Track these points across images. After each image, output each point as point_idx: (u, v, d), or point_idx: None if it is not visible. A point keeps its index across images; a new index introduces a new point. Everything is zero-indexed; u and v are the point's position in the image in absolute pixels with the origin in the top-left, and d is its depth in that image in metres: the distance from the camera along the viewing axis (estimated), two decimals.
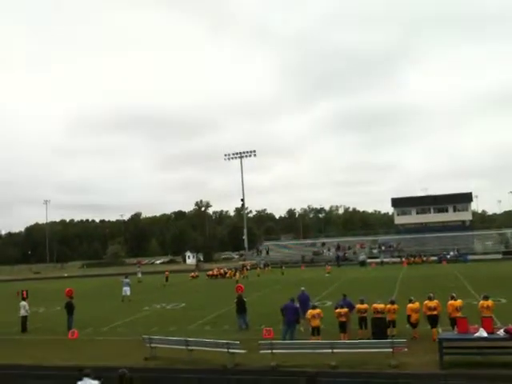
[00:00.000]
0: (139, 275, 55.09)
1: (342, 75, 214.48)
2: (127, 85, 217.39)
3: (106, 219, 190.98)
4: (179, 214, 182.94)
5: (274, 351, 14.74)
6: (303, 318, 18.98)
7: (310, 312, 17.14)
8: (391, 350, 13.91)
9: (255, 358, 15.18)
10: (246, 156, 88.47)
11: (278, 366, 14.58)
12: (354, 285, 36.43)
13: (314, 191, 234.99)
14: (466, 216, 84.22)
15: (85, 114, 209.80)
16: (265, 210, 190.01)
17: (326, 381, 12.27)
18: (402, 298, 20.26)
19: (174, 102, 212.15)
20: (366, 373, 13.80)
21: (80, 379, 10.16)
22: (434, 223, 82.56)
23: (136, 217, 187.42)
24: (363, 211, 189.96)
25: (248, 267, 61.49)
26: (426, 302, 16.97)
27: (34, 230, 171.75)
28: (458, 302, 16.77)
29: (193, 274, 57.41)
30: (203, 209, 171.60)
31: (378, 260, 66.02)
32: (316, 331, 16.84)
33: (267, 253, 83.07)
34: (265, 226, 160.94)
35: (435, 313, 16.69)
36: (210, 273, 56.73)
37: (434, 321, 16.65)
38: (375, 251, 75.85)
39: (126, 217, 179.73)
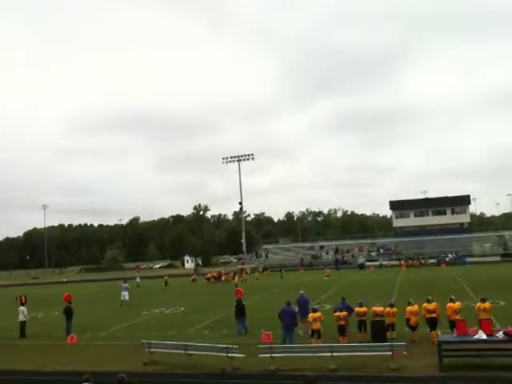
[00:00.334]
0: (138, 280, 55.03)
1: (341, 75, 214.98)
2: (126, 85, 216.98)
3: (105, 224, 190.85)
4: (177, 218, 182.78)
5: (273, 355, 14.72)
6: (302, 321, 18.99)
7: (312, 315, 17.14)
8: (390, 353, 13.89)
9: (254, 362, 15.16)
10: (244, 159, 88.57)
11: (278, 370, 14.56)
12: (352, 288, 36.42)
13: (312, 194, 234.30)
14: (465, 218, 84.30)
15: (83, 116, 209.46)
16: (263, 213, 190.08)
17: None
18: (401, 301, 20.25)
19: (173, 103, 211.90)
20: (365, 376, 13.80)
21: None
22: (433, 226, 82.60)
23: (134, 221, 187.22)
24: (361, 214, 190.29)
25: (247, 271, 61.63)
26: (424, 304, 16.98)
27: (32, 235, 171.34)
28: (457, 305, 16.77)
29: (193, 277, 57.66)
30: (201, 213, 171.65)
31: (376, 263, 66.09)
32: (317, 334, 16.84)
33: (266, 256, 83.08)
34: (263, 230, 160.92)
35: (434, 315, 16.70)
36: (209, 275, 56.87)
37: (433, 323, 16.66)
38: (374, 254, 75.88)
39: (125, 221, 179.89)
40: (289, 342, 17.33)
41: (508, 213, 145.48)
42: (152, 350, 16.57)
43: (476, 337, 13.68)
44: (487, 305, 16.19)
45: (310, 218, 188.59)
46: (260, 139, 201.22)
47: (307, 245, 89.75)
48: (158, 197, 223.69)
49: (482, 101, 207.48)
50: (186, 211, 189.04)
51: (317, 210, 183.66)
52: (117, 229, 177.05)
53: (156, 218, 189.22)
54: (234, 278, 49.41)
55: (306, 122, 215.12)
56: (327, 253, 79.67)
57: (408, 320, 17.23)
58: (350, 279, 46.28)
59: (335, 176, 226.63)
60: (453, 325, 15.53)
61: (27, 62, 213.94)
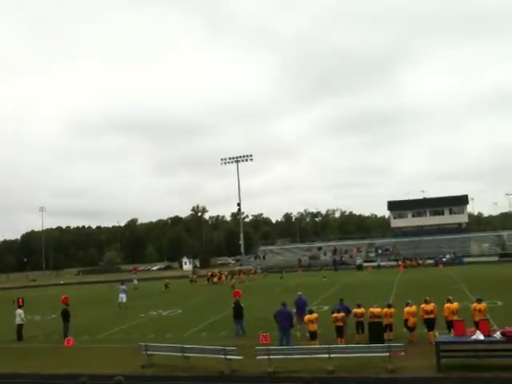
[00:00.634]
0: (135, 282, 54.95)
1: (341, 76, 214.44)
2: (125, 86, 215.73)
3: (102, 225, 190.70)
4: (175, 220, 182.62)
5: (270, 357, 14.70)
6: (300, 322, 18.98)
7: (308, 317, 17.13)
8: (388, 354, 13.88)
9: (252, 364, 15.14)
10: (243, 160, 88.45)
11: (275, 372, 14.53)
12: (350, 289, 36.40)
13: (310, 194, 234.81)
14: (462, 218, 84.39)
15: (82, 117, 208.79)
16: (261, 214, 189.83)
17: None
18: (398, 302, 20.25)
19: (171, 104, 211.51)
20: (363, 377, 13.78)
21: None
22: (431, 226, 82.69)
23: (132, 223, 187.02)
24: (359, 215, 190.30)
25: (253, 271, 61.92)
26: (422, 305, 16.99)
27: (30, 238, 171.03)
28: (455, 305, 16.77)
29: (192, 276, 58.03)
30: (200, 214, 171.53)
31: (374, 264, 66.05)
32: (313, 336, 16.83)
33: (263, 257, 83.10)
34: (261, 231, 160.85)
35: (432, 316, 16.70)
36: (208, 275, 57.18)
37: (430, 324, 16.67)
38: (372, 255, 75.89)
39: (122, 223, 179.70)
40: (286, 343, 17.31)
41: (506, 212, 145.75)
42: (149, 352, 16.53)
43: (473, 337, 13.68)
44: (483, 305, 16.20)
45: (308, 219, 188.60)
46: (258, 140, 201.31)
47: (305, 246, 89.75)
48: (155, 198, 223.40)
49: (481, 101, 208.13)
50: (184, 212, 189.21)
51: (315, 211, 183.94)
52: (114, 231, 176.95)
53: (154, 220, 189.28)
54: (231, 280, 49.33)
55: (305, 122, 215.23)
56: (325, 254, 79.70)
57: (406, 321, 17.23)
58: (347, 280, 46.26)
59: (333, 176, 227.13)
60: (450, 325, 15.53)
61: (27, 62, 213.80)
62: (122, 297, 34.72)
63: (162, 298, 40.19)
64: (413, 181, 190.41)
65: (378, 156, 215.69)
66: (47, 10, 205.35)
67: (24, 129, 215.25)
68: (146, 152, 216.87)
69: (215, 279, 54.26)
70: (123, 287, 35.58)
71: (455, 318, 15.85)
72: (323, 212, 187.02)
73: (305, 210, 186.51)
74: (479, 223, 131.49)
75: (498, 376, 12.89)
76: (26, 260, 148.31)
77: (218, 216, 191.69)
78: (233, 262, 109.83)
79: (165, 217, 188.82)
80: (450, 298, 17.29)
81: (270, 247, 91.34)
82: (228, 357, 14.96)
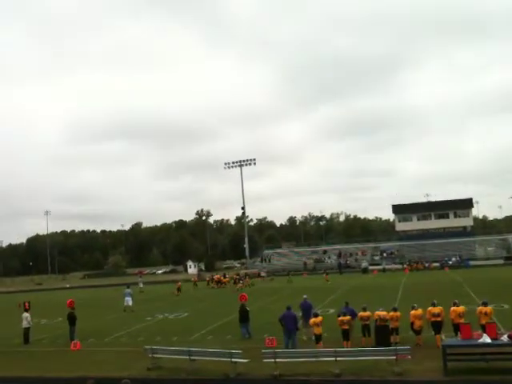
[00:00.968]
0: (141, 285, 55.08)
1: (342, 80, 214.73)
2: (128, 93, 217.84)
3: (107, 229, 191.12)
4: (180, 224, 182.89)
5: (277, 360, 14.70)
6: (306, 326, 18.98)
7: (313, 320, 17.15)
8: (395, 357, 13.87)
9: (258, 367, 15.14)
10: (246, 164, 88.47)
11: (281, 375, 14.53)
12: (356, 292, 36.35)
13: (314, 198, 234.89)
14: (467, 222, 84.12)
15: (87, 123, 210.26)
16: (265, 217, 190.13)
17: None
18: (404, 305, 20.23)
19: (175, 109, 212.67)
20: (369, 380, 13.77)
21: None
22: (435, 229, 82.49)
23: (137, 227, 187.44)
24: (364, 218, 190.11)
25: (264, 275, 61.81)
26: (429, 308, 16.95)
27: (35, 242, 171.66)
28: (461, 309, 16.73)
29: (195, 279, 58.18)
30: (204, 218, 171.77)
31: (380, 267, 65.90)
32: (318, 339, 16.83)
33: (269, 261, 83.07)
34: (266, 234, 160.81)
35: (439, 319, 16.67)
36: (216, 277, 57.17)
37: (438, 327, 16.62)
38: (377, 258, 75.74)
39: (127, 227, 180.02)
40: (292, 346, 17.32)
41: (511, 215, 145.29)
42: (156, 355, 16.56)
43: (480, 340, 13.66)
44: (488, 309, 16.17)
45: (312, 223, 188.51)
46: (261, 144, 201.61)
47: (310, 249, 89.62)
48: (160, 202, 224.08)
49: (484, 103, 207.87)
50: (189, 216, 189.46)
51: (319, 215, 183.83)
52: (119, 234, 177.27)
53: (158, 224, 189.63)
54: (235, 282, 49.24)
55: (307, 126, 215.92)
56: (329, 257, 79.60)
57: (412, 324, 17.20)
58: (353, 283, 46.18)
59: (337, 180, 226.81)
60: (457, 329, 15.49)
61: (28, 68, 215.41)
62: (128, 300, 34.77)
63: (167, 302, 40.24)
64: (417, 184, 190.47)
65: (381, 159, 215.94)
66: (47, 17, 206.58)
67: (29, 134, 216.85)
68: (151, 156, 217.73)
69: (213, 284, 54.28)
70: (129, 290, 35.64)
71: (462, 321, 15.82)
72: (327, 216, 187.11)
73: (309, 214, 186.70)
74: (484, 226, 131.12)
75: (504, 379, 12.86)
76: (31, 264, 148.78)
77: (222, 220, 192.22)
78: (238, 265, 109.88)
79: (169, 221, 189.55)
80: (456, 301, 17.25)
81: (275, 250, 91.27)
82: (234, 360, 14.98)
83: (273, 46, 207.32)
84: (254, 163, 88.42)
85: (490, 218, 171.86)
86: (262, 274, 66.56)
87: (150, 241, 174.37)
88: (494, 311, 16.91)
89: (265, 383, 14.54)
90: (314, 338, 17.16)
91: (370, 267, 66.25)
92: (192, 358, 15.80)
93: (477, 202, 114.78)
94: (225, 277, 57.06)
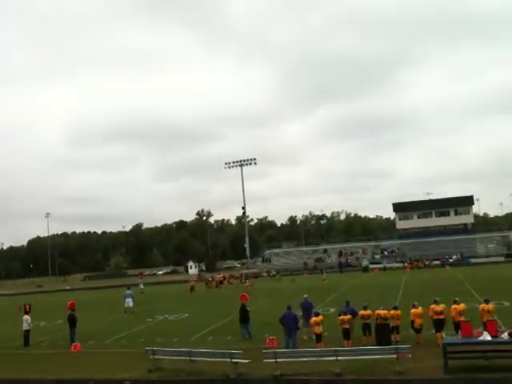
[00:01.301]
0: (141, 286, 55.07)
1: (342, 81, 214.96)
2: (128, 94, 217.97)
3: (108, 231, 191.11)
4: (181, 224, 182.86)
5: (277, 360, 14.68)
6: (306, 325, 18.96)
7: (314, 319, 17.13)
8: (396, 356, 13.84)
9: (259, 368, 15.12)
10: (247, 164, 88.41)
11: (282, 375, 14.50)
12: (357, 291, 36.33)
13: (315, 197, 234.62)
14: (468, 219, 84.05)
15: (84, 124, 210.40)
16: (266, 217, 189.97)
17: None
18: (405, 304, 20.21)
19: (174, 111, 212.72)
20: (371, 379, 13.75)
21: None
22: (436, 227, 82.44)
23: (137, 228, 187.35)
24: (365, 216, 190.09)
25: (274, 273, 61.54)
26: (432, 306, 16.92)
27: (35, 244, 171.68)
28: (461, 306, 16.71)
29: (192, 280, 58.07)
30: (204, 218, 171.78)
31: (380, 265, 65.87)
32: (319, 338, 16.81)
33: (269, 260, 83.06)
34: (266, 234, 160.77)
35: (442, 317, 16.65)
36: (219, 277, 56.97)
37: (440, 325, 16.60)
38: (378, 257, 75.72)
39: (128, 228, 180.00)
40: (292, 346, 17.30)
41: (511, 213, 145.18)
42: (156, 356, 16.54)
43: (481, 338, 13.63)
44: (491, 306, 16.15)
45: (313, 222, 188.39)
46: (262, 145, 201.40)
47: (311, 248, 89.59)
48: (160, 203, 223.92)
49: (482, 103, 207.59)
50: (189, 217, 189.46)
51: (320, 214, 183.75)
52: (120, 236, 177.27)
53: (159, 225, 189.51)
54: (243, 282, 49.07)
55: (308, 126, 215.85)
56: (329, 256, 79.60)
57: (412, 322, 17.18)
58: (354, 282, 46.18)
59: (337, 179, 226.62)
60: (457, 326, 15.47)
61: (29, 71, 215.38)
62: (129, 301, 34.75)
63: (168, 303, 40.23)
64: (417, 182, 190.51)
65: (381, 158, 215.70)
66: (47, 18, 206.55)
67: (29, 137, 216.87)
68: (151, 157, 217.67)
69: (210, 284, 54.29)
70: (129, 292, 35.63)
71: (462, 319, 15.80)
72: (328, 215, 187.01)
73: (310, 213, 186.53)
74: (485, 224, 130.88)
75: (505, 377, 12.83)
76: (31, 266, 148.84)
77: (222, 220, 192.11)
78: (239, 265, 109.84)
79: (170, 221, 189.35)
80: (457, 299, 17.23)
81: (275, 250, 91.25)
82: (234, 360, 14.96)
83: (272, 46, 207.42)
84: (255, 163, 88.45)
85: (491, 216, 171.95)
86: (273, 272, 66.53)
87: (150, 242, 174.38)
88: (495, 309, 16.87)
89: (266, 383, 14.52)
90: (314, 337, 17.14)
91: (371, 266, 66.22)
92: (192, 358, 15.77)
93: (477, 200, 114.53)
94: (224, 278, 57.09)
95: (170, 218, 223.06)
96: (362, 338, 17.32)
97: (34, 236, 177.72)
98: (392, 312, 17.37)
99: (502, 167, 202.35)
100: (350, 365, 14.39)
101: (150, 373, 16.12)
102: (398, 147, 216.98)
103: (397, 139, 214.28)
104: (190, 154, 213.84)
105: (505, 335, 13.62)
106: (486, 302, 16.42)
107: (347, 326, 17.15)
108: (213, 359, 15.63)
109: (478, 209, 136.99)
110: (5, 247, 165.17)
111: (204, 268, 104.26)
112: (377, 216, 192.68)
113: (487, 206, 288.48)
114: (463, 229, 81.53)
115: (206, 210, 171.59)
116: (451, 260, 65.60)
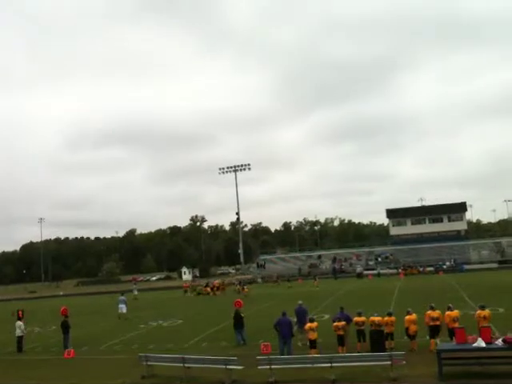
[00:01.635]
0: (135, 292, 54.83)
1: (338, 85, 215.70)
2: (123, 99, 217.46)
3: (101, 236, 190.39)
4: (174, 229, 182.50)
5: (272, 367, 14.63)
6: (301, 331, 18.92)
7: (309, 325, 17.09)
8: (390, 362, 13.83)
9: (253, 374, 15.06)
10: (241, 169, 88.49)
11: (277, 382, 14.46)
12: (351, 297, 36.34)
13: (309, 203, 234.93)
14: (461, 226, 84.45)
15: (80, 129, 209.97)
16: (260, 223, 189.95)
17: None
18: (399, 310, 20.21)
19: (169, 114, 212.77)
20: None
21: None
22: (430, 233, 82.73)
23: (131, 233, 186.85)
24: (358, 223, 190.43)
25: (275, 279, 61.29)
26: (428, 312, 16.93)
27: (28, 249, 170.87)
28: (455, 313, 16.73)
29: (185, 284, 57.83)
30: (198, 223, 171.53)
31: (374, 272, 65.99)
32: (313, 344, 16.78)
33: (263, 266, 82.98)
34: (260, 240, 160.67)
35: (438, 323, 16.67)
36: (215, 283, 56.92)
37: (435, 331, 16.62)
38: (371, 263, 75.85)
39: (121, 234, 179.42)
40: (287, 352, 17.26)
41: (505, 219, 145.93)
42: (150, 363, 16.44)
43: (475, 345, 13.64)
44: (487, 312, 16.16)
45: (307, 228, 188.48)
46: (256, 149, 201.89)
47: (305, 254, 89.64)
48: (154, 208, 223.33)
49: (477, 108, 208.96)
50: (183, 222, 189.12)
51: (314, 220, 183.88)
52: (113, 241, 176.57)
53: (153, 230, 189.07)
54: (243, 289, 48.84)
55: (303, 131, 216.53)
56: (323, 262, 79.63)
57: (407, 329, 17.18)
58: (348, 288, 46.17)
59: (332, 185, 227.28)
60: (452, 333, 15.49)
61: (26, 75, 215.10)
62: (122, 307, 34.58)
63: (162, 309, 40.07)
64: (411, 188, 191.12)
65: (375, 164, 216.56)
66: (48, 22, 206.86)
67: (22, 141, 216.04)
68: (145, 162, 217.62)
69: (205, 289, 54.14)
70: (123, 298, 35.46)
71: (456, 325, 15.82)
72: (322, 220, 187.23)
73: (304, 219, 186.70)
74: (478, 230, 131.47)
75: (500, 383, 12.85)
76: (24, 271, 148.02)
77: (216, 225, 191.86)
78: (233, 271, 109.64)
79: (164, 227, 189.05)
80: (451, 305, 17.26)
81: (269, 256, 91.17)
82: (229, 367, 14.89)
83: (270, 49, 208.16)
84: (249, 168, 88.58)
85: (484, 222, 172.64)
86: (274, 278, 66.45)
87: (144, 247, 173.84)
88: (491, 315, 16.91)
89: None
90: (308, 343, 17.10)
91: (365, 272, 66.32)
92: (186, 365, 15.68)
93: (470, 206, 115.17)
94: (221, 285, 56.87)
95: (164, 224, 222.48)
96: (356, 345, 17.32)
97: (27, 241, 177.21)
98: (386, 318, 17.36)
99: (495, 173, 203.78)
100: (345, 371, 14.36)
101: (143, 379, 16.01)
102: (393, 152, 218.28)
103: (391, 144, 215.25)
104: (184, 158, 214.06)
105: (499, 341, 13.65)
106: (482, 308, 16.43)
107: (342, 333, 17.13)
108: (207, 366, 15.56)
109: (471, 215, 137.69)
110: None
111: (198, 274, 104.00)
112: (370, 222, 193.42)
113: (480, 212, 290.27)
114: (456, 235, 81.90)
115: (199, 215, 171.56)
116: (445, 266, 65.80)
